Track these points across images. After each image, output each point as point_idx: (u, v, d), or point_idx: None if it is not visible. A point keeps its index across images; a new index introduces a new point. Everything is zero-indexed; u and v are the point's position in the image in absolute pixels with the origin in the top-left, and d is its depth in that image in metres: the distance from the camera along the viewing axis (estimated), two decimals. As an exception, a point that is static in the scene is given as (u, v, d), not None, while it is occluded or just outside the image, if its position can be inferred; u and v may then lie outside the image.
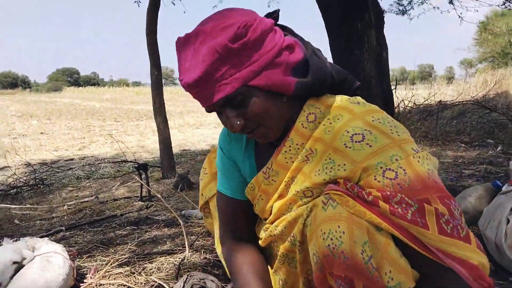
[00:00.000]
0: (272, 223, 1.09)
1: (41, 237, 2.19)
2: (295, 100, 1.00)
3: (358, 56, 4.10)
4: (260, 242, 1.15)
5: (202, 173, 1.42)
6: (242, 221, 1.22)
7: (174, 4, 6.14)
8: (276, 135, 1.01)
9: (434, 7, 7.09)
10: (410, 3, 7.12)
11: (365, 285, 0.81)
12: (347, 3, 4.10)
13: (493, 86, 10.07)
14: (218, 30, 0.86)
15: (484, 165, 3.65)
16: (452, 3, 6.86)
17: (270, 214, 1.09)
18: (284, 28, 1.02)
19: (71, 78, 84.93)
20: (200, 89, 0.90)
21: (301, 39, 1.02)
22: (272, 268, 1.16)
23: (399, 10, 7.18)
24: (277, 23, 1.00)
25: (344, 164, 0.90)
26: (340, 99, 0.99)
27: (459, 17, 6.98)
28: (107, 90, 36.37)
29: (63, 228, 2.56)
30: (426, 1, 7.09)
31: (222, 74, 0.87)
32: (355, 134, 0.90)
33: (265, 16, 0.99)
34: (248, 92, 0.90)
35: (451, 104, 6.69)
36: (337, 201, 0.86)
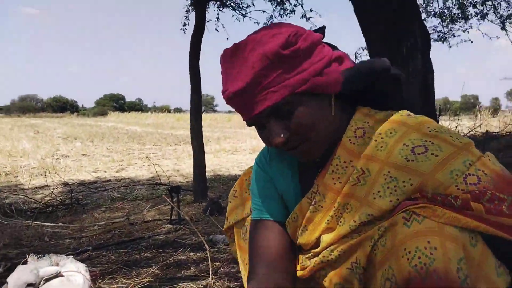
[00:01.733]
0: (318, 253, 0.93)
1: (67, 255, 2.16)
2: (342, 113, 0.94)
3: (403, 80, 3.97)
4: (300, 272, 0.97)
5: (232, 196, 1.24)
6: (289, 256, 1.01)
7: (218, 31, 6.23)
8: (320, 151, 0.93)
9: (483, 34, 6.78)
10: (450, 30, 6.88)
11: None
12: (392, 24, 4.00)
13: (544, 117, 9.55)
14: (268, 37, 0.84)
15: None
16: (505, 29, 6.57)
17: (315, 246, 0.94)
18: (330, 46, 0.97)
19: (117, 104, 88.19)
20: (245, 97, 0.85)
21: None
22: None
23: (439, 37, 6.96)
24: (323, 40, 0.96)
25: (410, 179, 0.80)
26: (389, 113, 0.93)
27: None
28: (149, 116, 37.47)
29: (90, 248, 2.54)
30: (469, 30, 6.84)
31: (270, 81, 0.83)
32: (416, 146, 0.82)
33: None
34: (295, 101, 0.85)
35: (497, 135, 6.37)
36: (422, 214, 0.75)
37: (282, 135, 0.87)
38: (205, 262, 2.17)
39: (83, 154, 10.00)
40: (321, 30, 0.97)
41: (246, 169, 1.22)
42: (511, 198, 0.75)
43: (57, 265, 1.68)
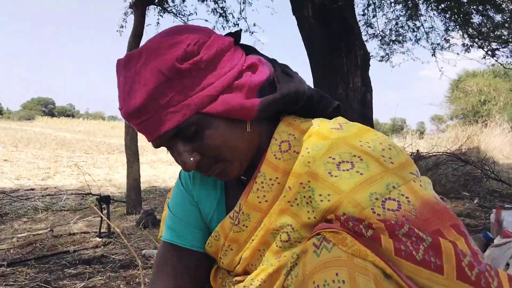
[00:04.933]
0: (238, 275, 0.87)
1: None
2: (261, 126, 0.84)
3: (343, 95, 4.05)
4: None
5: (166, 205, 1.17)
6: (199, 280, 0.96)
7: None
8: (239, 171, 0.83)
9: (413, 59, 7.26)
10: (390, 51, 7.29)
11: None
12: (333, 41, 4.11)
13: (466, 141, 10.28)
14: (164, 48, 0.72)
15: (462, 218, 3.56)
16: (435, 55, 7.04)
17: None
18: (247, 48, 0.86)
19: (46, 108, 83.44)
20: (143, 119, 0.73)
21: (267, 58, 0.87)
22: None
23: (382, 57, 7.32)
24: (240, 43, 0.85)
25: (329, 195, 0.72)
26: (317, 123, 0.84)
27: (440, 70, 7.13)
28: (81, 122, 35.78)
29: (4, 263, 2.27)
30: (407, 52, 7.28)
31: (169, 100, 0.71)
32: (343, 161, 0.74)
33: (225, 35, 0.83)
34: (202, 121, 0.74)
35: (426, 155, 6.72)
36: (332, 241, 0.66)
37: (191, 159, 0.77)
38: (137, 279, 2.01)
39: (5, 160, 9.25)
40: (236, 33, 0.85)
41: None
42: (430, 240, 0.64)
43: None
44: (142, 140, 4.52)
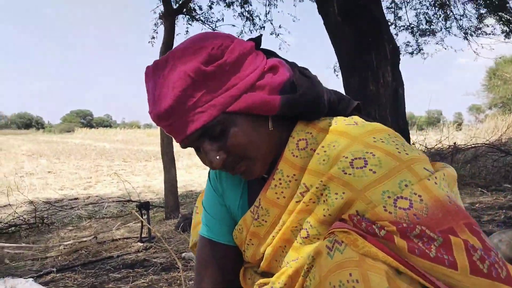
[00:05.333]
0: (264, 272, 0.92)
1: (28, 278, 2.03)
2: (283, 126, 0.87)
3: (373, 92, 4.00)
4: None
5: (194, 212, 1.23)
6: (230, 273, 1.02)
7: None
8: (263, 170, 0.87)
9: (446, 47, 7.01)
10: (420, 43, 7.09)
11: None
12: (361, 37, 4.06)
13: (506, 130, 9.89)
14: (189, 53, 0.77)
15: (504, 210, 3.45)
16: (468, 41, 6.80)
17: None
18: (267, 52, 0.90)
19: (85, 120, 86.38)
20: (172, 120, 0.78)
21: (287, 61, 0.90)
22: None
23: (413, 49, 7.12)
24: (260, 47, 0.89)
25: (344, 193, 0.75)
26: (334, 121, 0.86)
27: (475, 52, 6.87)
28: (118, 132, 36.76)
29: (54, 269, 2.39)
30: (440, 42, 7.05)
31: (196, 101, 0.76)
32: (356, 158, 0.76)
33: (246, 40, 0.88)
34: (228, 120, 0.79)
35: (464, 147, 6.53)
36: (344, 242, 0.69)
37: (217, 157, 0.81)
38: (178, 281, 2.08)
39: (49, 172, 9.66)
40: (257, 38, 0.90)
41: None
42: (441, 239, 0.66)
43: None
44: (177, 146, 4.64)
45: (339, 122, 0.86)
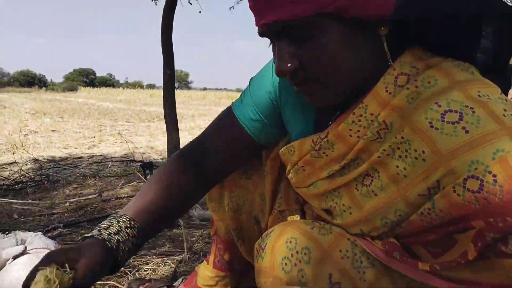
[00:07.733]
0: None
1: (37, 232, 2.11)
2: (383, 52, 0.69)
3: None
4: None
5: None
6: (236, 160, 0.99)
7: (191, 4, 6.04)
8: (336, 99, 0.74)
9: None
10: None
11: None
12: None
13: None
14: None
15: None
16: None
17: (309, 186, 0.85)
18: None
19: (87, 79, 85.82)
20: None
21: None
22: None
23: None
24: None
25: (423, 152, 0.62)
26: (447, 60, 0.68)
27: None
28: (121, 91, 36.71)
29: (61, 225, 2.48)
30: None
31: None
32: (449, 110, 0.61)
33: None
34: (319, 26, 0.65)
35: None
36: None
37: (289, 64, 0.69)
38: (180, 238, 2.16)
39: (53, 130, 9.73)
40: None
41: None
42: None
43: (24, 242, 1.63)
44: (180, 108, 4.62)
45: (451, 62, 0.68)
